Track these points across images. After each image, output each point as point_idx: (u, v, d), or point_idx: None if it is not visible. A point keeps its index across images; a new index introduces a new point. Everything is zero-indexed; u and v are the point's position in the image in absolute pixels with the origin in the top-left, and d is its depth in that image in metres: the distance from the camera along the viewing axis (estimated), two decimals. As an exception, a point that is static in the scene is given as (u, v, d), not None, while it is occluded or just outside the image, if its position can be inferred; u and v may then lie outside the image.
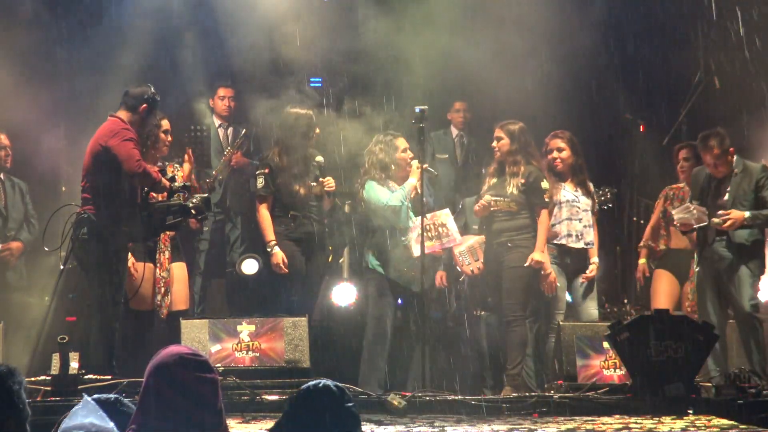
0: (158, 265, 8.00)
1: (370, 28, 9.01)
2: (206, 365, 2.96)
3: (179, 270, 8.14)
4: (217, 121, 9.66)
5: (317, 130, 8.24)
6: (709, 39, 9.87)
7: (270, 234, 8.12)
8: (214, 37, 9.42)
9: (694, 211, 7.79)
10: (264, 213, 8.17)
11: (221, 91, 9.64)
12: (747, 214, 7.70)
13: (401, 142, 8.21)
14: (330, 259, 9.42)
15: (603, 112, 10.20)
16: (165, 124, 7.90)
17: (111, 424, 2.76)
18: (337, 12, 9.18)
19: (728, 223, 7.70)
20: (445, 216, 8.24)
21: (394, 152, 8.19)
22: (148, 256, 7.94)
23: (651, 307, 8.38)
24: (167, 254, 8.05)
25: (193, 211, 7.32)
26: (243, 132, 9.48)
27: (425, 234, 7.96)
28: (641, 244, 8.82)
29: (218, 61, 9.66)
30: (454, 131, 10.13)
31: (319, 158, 8.21)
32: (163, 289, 8.01)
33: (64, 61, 9.58)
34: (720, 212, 7.74)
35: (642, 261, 8.78)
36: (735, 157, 7.86)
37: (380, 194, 8.13)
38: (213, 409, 2.90)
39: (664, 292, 8.52)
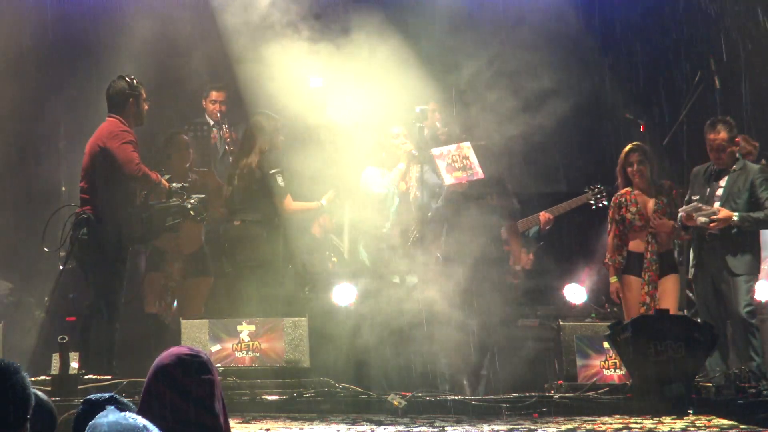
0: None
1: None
2: (204, 366, 2.95)
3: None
4: (210, 122, 9.66)
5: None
6: (710, 39, 9.87)
7: (312, 203, 8.41)
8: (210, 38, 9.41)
9: (707, 208, 7.73)
10: (294, 202, 8.29)
11: (213, 94, 9.63)
12: (736, 216, 7.65)
13: (395, 129, 8.32)
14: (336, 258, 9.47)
15: (603, 112, 10.19)
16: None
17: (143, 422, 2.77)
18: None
19: (714, 223, 7.69)
20: (467, 149, 8.27)
21: (385, 138, 8.31)
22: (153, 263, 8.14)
23: (625, 316, 8.25)
24: (177, 265, 8.31)
25: (191, 212, 7.32)
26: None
27: (453, 164, 8.07)
28: (607, 260, 8.38)
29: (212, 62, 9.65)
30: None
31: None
32: (169, 298, 8.23)
33: (64, 60, 9.57)
34: (706, 210, 7.72)
35: (613, 279, 8.32)
36: (738, 156, 7.85)
37: (371, 182, 8.26)
38: (210, 410, 2.90)
39: (635, 299, 8.35)
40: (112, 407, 2.79)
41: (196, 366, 2.93)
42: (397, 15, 8.93)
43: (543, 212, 9.29)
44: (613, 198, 8.41)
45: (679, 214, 7.90)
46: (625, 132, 10.17)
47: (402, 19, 8.94)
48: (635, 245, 8.23)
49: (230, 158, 9.39)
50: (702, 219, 7.72)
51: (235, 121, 9.59)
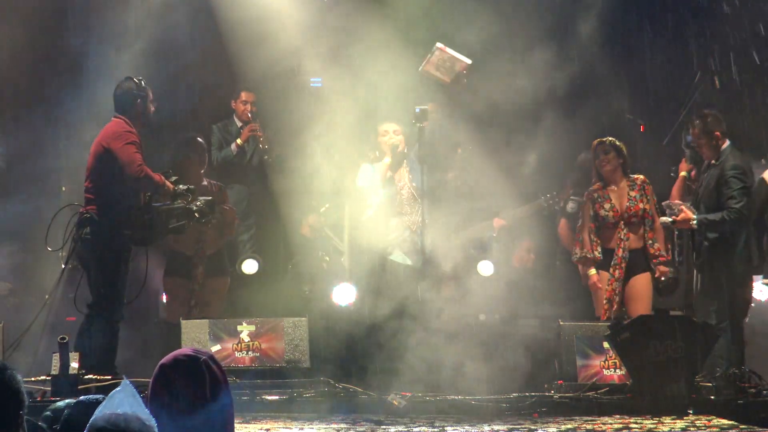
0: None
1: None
2: (197, 367, 2.95)
3: None
4: (238, 123, 9.66)
5: None
6: (711, 38, 9.87)
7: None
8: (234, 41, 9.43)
9: (674, 208, 7.72)
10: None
11: (243, 95, 9.62)
12: (694, 221, 7.63)
13: (385, 126, 8.35)
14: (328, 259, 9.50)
15: (603, 112, 10.20)
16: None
17: (146, 410, 2.78)
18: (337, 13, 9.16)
19: (676, 224, 7.70)
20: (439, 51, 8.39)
21: (376, 136, 8.34)
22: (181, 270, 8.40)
23: (595, 311, 8.31)
24: (201, 268, 8.40)
25: (196, 214, 7.29)
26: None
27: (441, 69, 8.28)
28: (580, 255, 8.32)
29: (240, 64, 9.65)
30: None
31: None
32: (192, 301, 8.40)
33: (72, 59, 9.57)
34: (673, 208, 7.71)
35: (592, 272, 8.23)
36: (725, 146, 7.77)
37: (360, 176, 8.34)
38: (199, 411, 2.90)
39: (604, 295, 8.33)
40: (129, 386, 2.79)
41: (187, 367, 2.94)
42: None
43: (497, 218, 9.29)
44: (586, 194, 8.40)
45: (665, 214, 7.90)
46: (626, 132, 10.18)
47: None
48: (608, 241, 8.24)
49: (265, 157, 9.46)
50: (664, 219, 7.76)
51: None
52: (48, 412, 3.31)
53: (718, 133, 7.71)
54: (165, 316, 8.79)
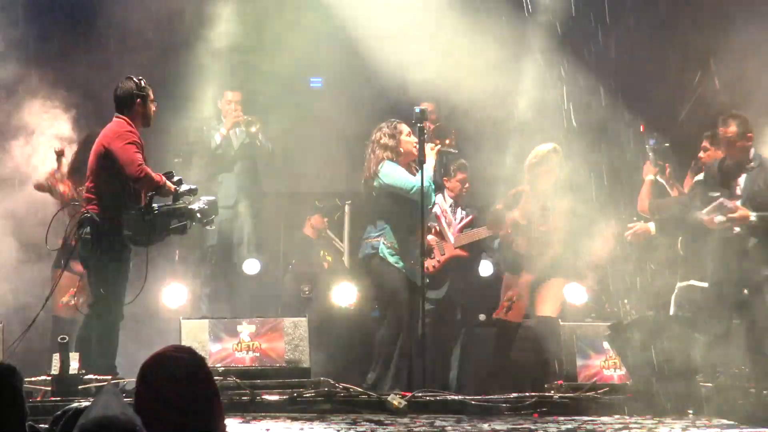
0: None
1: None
2: (177, 366, 2.96)
3: None
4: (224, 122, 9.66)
5: None
6: (710, 38, 9.87)
7: None
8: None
9: (728, 204, 7.64)
10: None
11: (228, 95, 9.62)
12: (753, 216, 7.56)
13: (404, 127, 8.12)
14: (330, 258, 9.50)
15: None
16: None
17: (131, 410, 2.80)
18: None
19: (730, 222, 7.63)
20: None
21: (399, 136, 8.08)
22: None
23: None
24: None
25: (198, 214, 7.27)
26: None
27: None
28: None
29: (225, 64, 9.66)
30: None
31: None
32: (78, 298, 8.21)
33: (68, 58, 9.58)
34: (723, 206, 7.65)
35: None
36: (753, 150, 7.72)
37: (404, 175, 7.93)
38: (180, 410, 2.90)
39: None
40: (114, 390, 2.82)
41: (166, 365, 2.95)
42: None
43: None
44: None
45: (713, 213, 7.78)
46: (625, 133, 10.19)
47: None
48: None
49: (258, 143, 9.49)
50: (719, 218, 7.61)
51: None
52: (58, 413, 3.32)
53: (751, 135, 7.68)
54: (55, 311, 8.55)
